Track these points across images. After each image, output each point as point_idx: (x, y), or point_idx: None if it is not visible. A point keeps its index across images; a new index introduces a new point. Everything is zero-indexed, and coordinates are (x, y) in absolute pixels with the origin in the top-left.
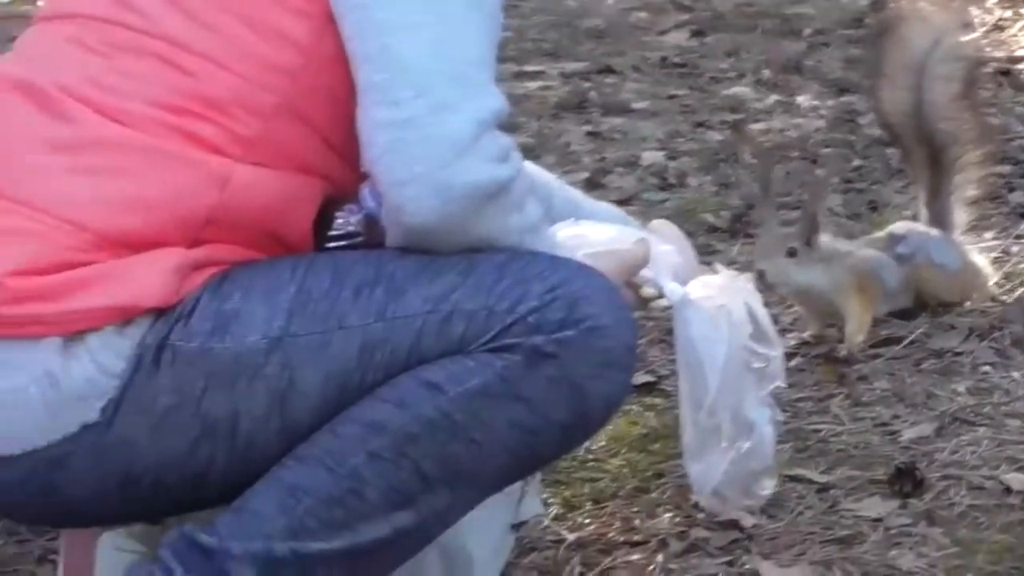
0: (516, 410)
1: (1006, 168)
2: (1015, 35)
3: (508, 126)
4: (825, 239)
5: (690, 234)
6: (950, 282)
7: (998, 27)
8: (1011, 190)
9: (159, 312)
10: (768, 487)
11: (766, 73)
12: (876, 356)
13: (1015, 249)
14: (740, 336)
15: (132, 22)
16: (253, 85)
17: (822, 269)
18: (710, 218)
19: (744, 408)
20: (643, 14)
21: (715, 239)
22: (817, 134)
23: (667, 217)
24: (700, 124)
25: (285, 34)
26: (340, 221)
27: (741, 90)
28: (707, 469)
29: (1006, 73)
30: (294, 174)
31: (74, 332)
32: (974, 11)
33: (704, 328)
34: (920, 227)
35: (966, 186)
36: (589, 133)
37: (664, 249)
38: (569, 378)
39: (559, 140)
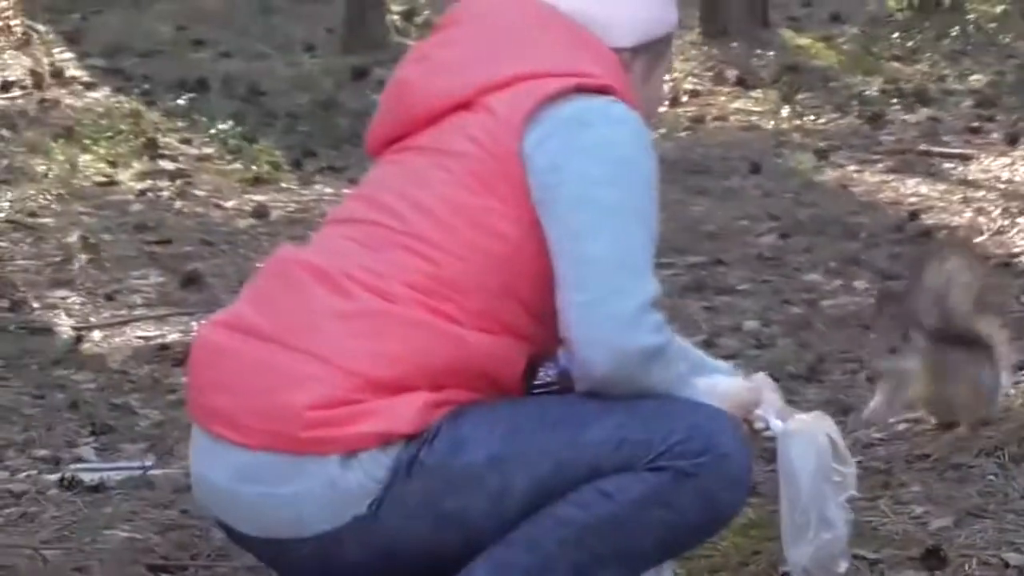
0: (665, 513)
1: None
2: (1011, 237)
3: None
4: None
5: (777, 380)
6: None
7: (1000, 231)
8: None
9: (411, 437)
10: (843, 567)
11: (832, 264)
12: (911, 468)
13: None
14: (824, 458)
15: (391, 224)
16: (479, 270)
17: None
18: (792, 369)
19: (827, 510)
20: (745, 222)
21: (796, 384)
22: (869, 309)
23: (760, 368)
24: (785, 301)
25: (502, 234)
26: (542, 373)
27: (815, 277)
28: (799, 553)
29: (1006, 265)
30: (509, 338)
31: (350, 451)
32: (981, 219)
33: (799, 452)
34: None
35: None
36: (705, 307)
37: (768, 396)
38: (705, 491)
39: (685, 312)
